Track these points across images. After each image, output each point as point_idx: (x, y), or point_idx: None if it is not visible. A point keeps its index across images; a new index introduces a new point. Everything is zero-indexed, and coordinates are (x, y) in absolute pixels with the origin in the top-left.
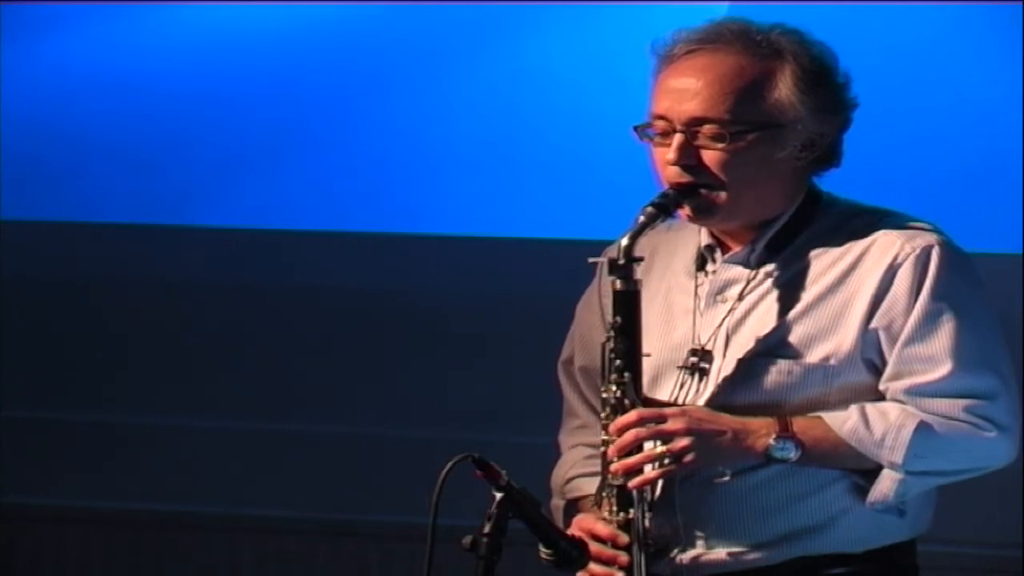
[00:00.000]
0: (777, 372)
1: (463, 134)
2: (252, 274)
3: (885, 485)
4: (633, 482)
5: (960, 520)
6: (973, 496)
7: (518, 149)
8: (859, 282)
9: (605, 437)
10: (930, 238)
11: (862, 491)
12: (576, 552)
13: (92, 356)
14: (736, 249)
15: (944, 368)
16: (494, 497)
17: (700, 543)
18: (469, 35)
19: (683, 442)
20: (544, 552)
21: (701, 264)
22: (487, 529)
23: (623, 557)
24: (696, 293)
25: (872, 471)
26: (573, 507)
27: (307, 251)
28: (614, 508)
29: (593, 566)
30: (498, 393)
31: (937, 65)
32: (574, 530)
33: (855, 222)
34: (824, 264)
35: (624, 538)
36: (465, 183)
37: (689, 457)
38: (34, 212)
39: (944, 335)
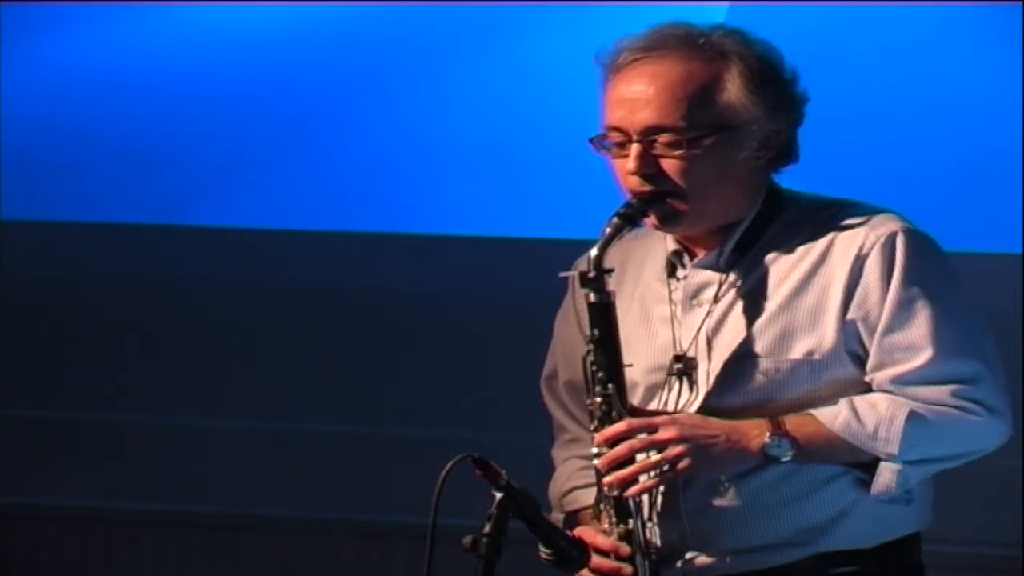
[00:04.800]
0: (763, 372)
1: (463, 134)
2: (252, 274)
3: (886, 477)
4: (630, 491)
5: (960, 520)
6: (973, 496)
7: (518, 149)
8: (830, 275)
9: (596, 450)
10: (893, 225)
11: (866, 485)
12: (576, 552)
13: (92, 356)
14: (702, 253)
15: (925, 355)
16: (494, 497)
17: (708, 547)
18: (469, 35)
19: (677, 449)
20: (544, 552)
21: (671, 270)
22: (487, 529)
23: (626, 569)
24: (671, 299)
25: (870, 464)
26: (573, 519)
27: (307, 251)
28: (613, 520)
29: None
30: (498, 393)
31: (937, 65)
32: None
33: (818, 215)
34: (793, 260)
35: (626, 549)
36: (465, 183)
37: (684, 464)
38: (34, 212)
39: (921, 321)
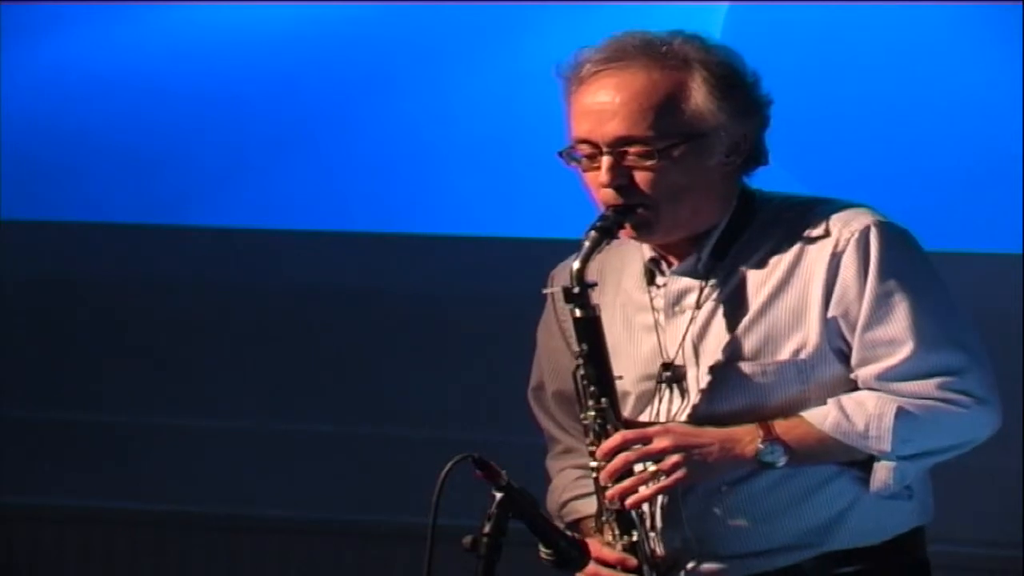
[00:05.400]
0: (752, 375)
1: (463, 134)
2: (252, 274)
3: (882, 474)
4: (629, 501)
5: (960, 520)
6: (973, 496)
7: (518, 149)
8: (808, 274)
9: (594, 464)
10: (865, 220)
11: (864, 483)
12: (576, 552)
13: (92, 356)
14: (678, 260)
15: (907, 349)
16: (494, 497)
17: (711, 554)
18: (469, 35)
19: (673, 459)
20: (544, 552)
21: (651, 278)
22: (487, 529)
23: None
24: (652, 307)
25: (867, 461)
26: (574, 529)
27: (307, 251)
28: (616, 532)
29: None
30: (498, 393)
31: (937, 65)
32: None
33: (789, 214)
34: (770, 261)
35: (632, 560)
36: (465, 183)
37: (681, 473)
38: (34, 212)
39: (900, 315)
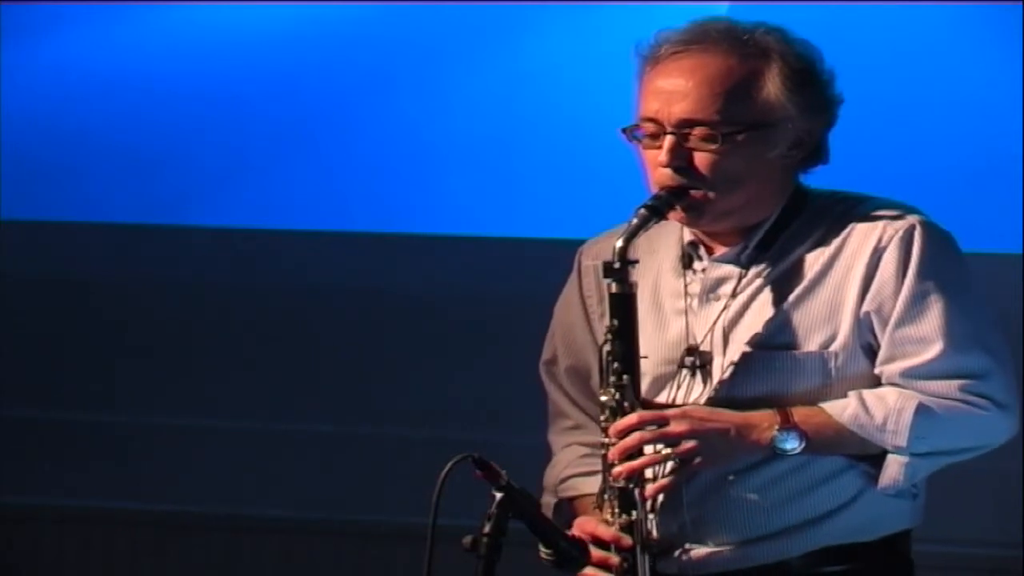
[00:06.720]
0: (778, 364)
1: (463, 134)
2: (252, 274)
3: (893, 470)
4: (648, 491)
5: (960, 520)
6: (973, 496)
7: (518, 149)
8: (847, 268)
9: (605, 440)
10: (911, 218)
11: (871, 479)
12: (576, 552)
13: (92, 356)
14: (720, 248)
15: (935, 348)
16: (494, 497)
17: (708, 540)
18: (469, 35)
19: (688, 444)
20: (544, 552)
21: (688, 262)
22: (487, 529)
23: (613, 558)
24: (687, 292)
25: (878, 457)
26: (567, 506)
27: (307, 251)
28: (616, 510)
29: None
30: (498, 393)
31: (937, 65)
32: (575, 532)
33: (836, 209)
34: (811, 254)
35: (628, 540)
36: (465, 183)
37: (696, 460)
38: (34, 212)
39: (933, 315)
